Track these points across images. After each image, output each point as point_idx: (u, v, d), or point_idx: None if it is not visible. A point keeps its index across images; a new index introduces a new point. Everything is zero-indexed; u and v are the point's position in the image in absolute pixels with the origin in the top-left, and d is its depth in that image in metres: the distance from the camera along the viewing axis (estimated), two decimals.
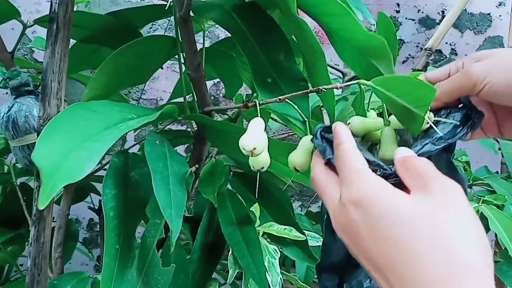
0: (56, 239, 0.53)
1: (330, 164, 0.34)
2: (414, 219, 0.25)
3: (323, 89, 0.40)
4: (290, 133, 0.98)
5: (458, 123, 0.35)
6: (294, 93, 0.42)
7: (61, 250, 0.54)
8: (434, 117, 0.36)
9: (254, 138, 0.41)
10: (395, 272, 0.24)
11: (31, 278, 0.46)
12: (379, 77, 0.35)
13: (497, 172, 1.19)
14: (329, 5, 0.41)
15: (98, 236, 1.41)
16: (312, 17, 0.46)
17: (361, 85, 0.39)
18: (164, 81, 1.40)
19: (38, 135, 0.45)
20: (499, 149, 1.10)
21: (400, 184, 0.28)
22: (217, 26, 0.62)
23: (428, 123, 0.34)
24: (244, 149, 0.41)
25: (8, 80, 0.49)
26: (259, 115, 0.45)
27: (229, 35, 0.56)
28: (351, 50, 0.44)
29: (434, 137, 0.34)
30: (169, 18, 0.65)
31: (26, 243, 0.72)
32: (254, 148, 0.40)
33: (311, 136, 0.41)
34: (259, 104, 0.45)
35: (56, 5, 0.44)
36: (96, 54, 0.64)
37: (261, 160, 0.43)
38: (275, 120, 0.93)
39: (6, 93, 1.31)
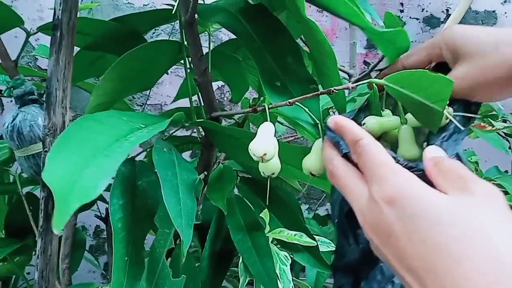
0: (63, 250, 0.52)
1: (346, 158, 0.32)
2: (457, 221, 0.23)
3: (334, 90, 0.39)
4: (296, 136, 0.97)
5: (474, 115, 0.34)
6: (304, 96, 0.41)
7: (69, 261, 0.53)
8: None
9: (264, 144, 0.39)
10: (435, 277, 0.23)
11: None
12: (392, 75, 0.33)
13: (506, 171, 1.17)
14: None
15: (105, 243, 1.40)
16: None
17: (374, 84, 0.38)
18: (168, 86, 1.39)
19: (43, 144, 0.44)
20: (510, 148, 1.09)
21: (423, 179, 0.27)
22: (220, 29, 0.62)
23: (447, 118, 0.33)
24: (254, 155, 0.39)
25: (12, 89, 0.48)
26: (268, 119, 0.44)
27: (233, 37, 0.55)
28: None
29: (452, 131, 0.33)
30: (172, 23, 0.64)
31: (33, 253, 0.71)
32: (265, 154, 0.39)
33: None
34: (269, 108, 0.44)
35: (60, 12, 0.43)
36: (100, 61, 0.63)
37: (272, 166, 0.42)
38: (281, 123, 0.92)
39: (11, 101, 1.31)
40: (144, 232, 0.47)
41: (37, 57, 1.28)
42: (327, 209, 1.66)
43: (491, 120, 1.11)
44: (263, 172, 0.42)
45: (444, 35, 0.36)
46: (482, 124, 0.91)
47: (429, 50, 0.37)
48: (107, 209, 0.78)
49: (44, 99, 0.52)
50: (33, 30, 0.50)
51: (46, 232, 0.44)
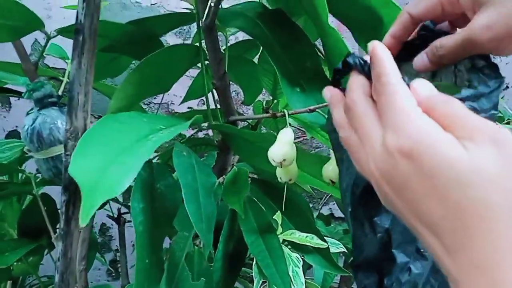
0: (80, 252, 0.52)
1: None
2: (478, 181, 0.22)
3: None
4: (304, 137, 0.97)
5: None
6: (325, 104, 0.42)
7: (85, 263, 0.53)
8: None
9: (284, 150, 0.40)
10: (454, 235, 0.22)
11: None
12: None
13: None
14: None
15: (110, 240, 1.41)
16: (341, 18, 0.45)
17: None
18: (175, 86, 1.39)
19: (65, 148, 0.45)
20: None
21: None
22: (237, 31, 0.62)
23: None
24: (273, 160, 0.40)
25: (32, 91, 0.48)
26: (288, 125, 0.44)
27: (246, 37, 0.55)
28: None
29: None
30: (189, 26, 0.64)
31: (45, 253, 0.72)
32: (284, 160, 0.40)
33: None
34: (289, 114, 0.44)
35: (82, 16, 0.43)
36: (115, 62, 0.64)
37: (290, 172, 0.42)
38: (290, 124, 0.93)
39: (18, 99, 1.31)
40: (163, 235, 0.47)
41: (44, 55, 1.28)
42: (330, 209, 1.67)
43: (497, 123, 1.12)
44: (280, 178, 0.43)
45: None
46: None
47: None
48: (119, 209, 0.79)
49: (62, 102, 0.53)
50: (53, 33, 0.50)
51: (67, 235, 0.45)
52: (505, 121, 1.21)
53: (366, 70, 0.29)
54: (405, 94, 0.26)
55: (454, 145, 0.23)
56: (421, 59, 0.32)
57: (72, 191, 0.45)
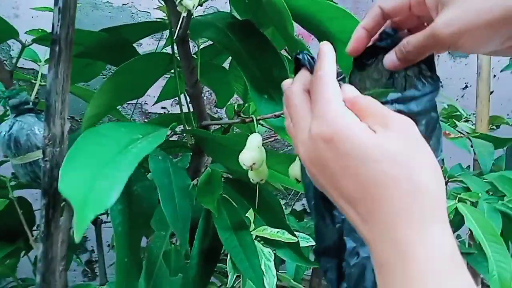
0: (60, 253, 0.54)
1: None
2: (382, 158, 0.27)
3: None
4: (276, 137, 1.01)
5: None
6: None
7: (64, 263, 0.55)
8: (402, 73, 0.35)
9: (253, 154, 0.43)
10: (365, 204, 0.27)
11: None
12: None
13: (468, 167, 1.26)
14: (328, 9, 0.44)
15: (85, 241, 1.41)
16: (309, 26, 0.48)
17: None
18: None
19: (43, 154, 0.47)
20: (471, 146, 1.17)
21: None
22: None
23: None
24: (244, 164, 0.43)
25: (8, 99, 0.50)
26: (256, 131, 0.48)
27: (211, 42, 0.58)
28: None
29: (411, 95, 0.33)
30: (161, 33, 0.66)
31: (21, 255, 0.72)
32: (254, 163, 0.43)
33: None
34: (257, 120, 0.48)
35: (58, 28, 0.45)
36: (90, 67, 0.65)
37: (261, 173, 0.46)
38: (262, 125, 0.96)
39: None
40: (141, 235, 0.50)
41: (12, 56, 1.26)
42: (303, 204, 1.72)
43: (455, 121, 1.19)
44: (252, 179, 0.46)
45: None
46: (447, 131, 0.98)
47: None
48: None
49: (38, 108, 0.54)
50: (27, 42, 0.52)
51: (47, 237, 0.47)
52: (463, 119, 1.29)
53: (312, 66, 0.33)
54: (332, 88, 0.30)
55: (365, 130, 0.28)
56: (390, 57, 0.34)
57: (52, 195, 0.47)
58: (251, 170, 0.43)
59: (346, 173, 0.28)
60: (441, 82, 0.35)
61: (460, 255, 0.26)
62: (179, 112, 0.58)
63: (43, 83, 0.78)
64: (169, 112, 1.43)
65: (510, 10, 0.29)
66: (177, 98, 1.62)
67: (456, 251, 0.26)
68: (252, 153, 0.42)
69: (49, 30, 0.70)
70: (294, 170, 0.44)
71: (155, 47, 0.77)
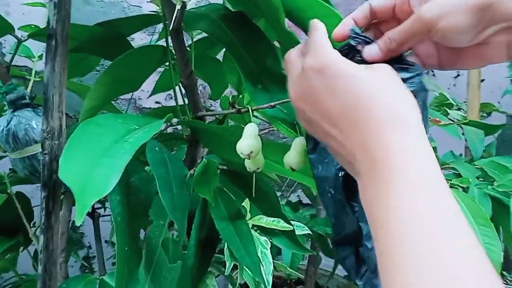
0: (60, 245, 0.55)
1: None
2: (367, 78, 0.30)
3: None
4: (271, 128, 1.02)
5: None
6: (284, 100, 0.46)
7: (65, 255, 0.56)
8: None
9: (250, 143, 0.44)
10: (349, 119, 0.30)
11: (43, 284, 0.48)
12: None
13: (461, 155, 1.28)
14: (315, 8, 0.45)
15: (82, 237, 1.41)
16: (298, 21, 0.49)
17: None
18: None
19: (42, 147, 0.47)
20: (463, 134, 1.19)
21: None
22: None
23: None
24: (242, 153, 0.44)
25: (5, 94, 0.50)
26: (252, 120, 0.49)
27: (205, 35, 0.58)
28: None
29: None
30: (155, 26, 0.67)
31: (21, 250, 0.73)
32: (251, 152, 0.44)
33: (303, 138, 0.45)
34: (252, 110, 0.49)
35: (54, 22, 0.46)
36: (84, 62, 0.66)
37: (257, 162, 0.47)
38: (256, 117, 0.97)
39: None
40: (140, 225, 0.51)
41: (4, 52, 1.26)
42: (298, 196, 1.74)
43: (446, 109, 1.21)
44: (249, 168, 0.47)
45: None
46: (437, 119, 1.00)
47: None
48: (92, 206, 0.81)
49: (36, 103, 0.55)
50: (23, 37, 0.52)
51: (48, 229, 0.48)
52: (455, 107, 1.31)
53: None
54: (325, 38, 0.34)
55: (351, 64, 0.32)
56: (372, 49, 0.35)
57: (51, 187, 0.48)
58: (249, 158, 0.44)
59: (335, 94, 0.31)
60: (426, 70, 0.36)
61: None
62: (174, 105, 0.59)
63: (37, 79, 0.78)
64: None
65: None
66: (171, 93, 1.62)
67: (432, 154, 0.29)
68: (249, 141, 0.43)
69: (41, 25, 0.70)
70: (289, 159, 0.45)
71: (147, 41, 0.78)
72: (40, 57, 0.84)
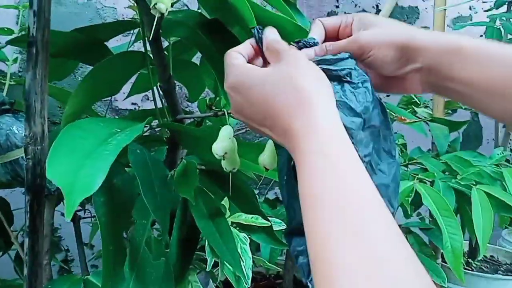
0: (44, 247, 0.56)
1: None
2: (272, 80, 0.35)
3: None
4: (247, 128, 1.05)
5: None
6: None
7: (48, 257, 0.57)
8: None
9: (224, 145, 0.47)
10: (270, 117, 0.34)
11: (28, 285, 0.49)
12: None
13: (428, 150, 1.35)
14: (288, 24, 0.48)
15: (60, 241, 1.40)
16: None
17: None
18: None
19: (25, 152, 0.49)
20: (430, 130, 1.26)
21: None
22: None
23: None
24: (217, 154, 0.47)
25: None
26: (228, 123, 0.52)
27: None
28: None
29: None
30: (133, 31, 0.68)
31: (0, 255, 0.74)
32: (226, 153, 0.47)
33: None
34: (228, 113, 0.51)
35: (34, 30, 0.47)
36: (64, 66, 0.67)
37: (232, 162, 0.50)
38: (233, 117, 1.00)
39: None
40: (123, 225, 0.53)
41: None
42: (275, 193, 1.78)
43: (414, 107, 1.28)
44: (225, 168, 0.50)
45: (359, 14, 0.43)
46: (403, 117, 1.05)
47: (343, 17, 0.43)
48: None
49: (15, 108, 0.56)
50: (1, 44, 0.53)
51: (33, 232, 0.49)
52: (422, 105, 1.38)
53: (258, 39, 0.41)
54: (238, 49, 0.40)
55: (257, 69, 0.37)
56: (308, 53, 0.40)
57: (35, 191, 0.49)
58: (224, 159, 0.47)
59: (252, 103, 0.35)
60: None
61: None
62: (150, 108, 0.61)
63: (12, 83, 0.78)
64: (140, 108, 1.44)
65: (411, 37, 0.38)
66: (147, 94, 1.62)
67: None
68: (223, 143, 0.46)
69: (13, 28, 0.70)
70: (263, 159, 0.48)
71: (121, 43, 0.79)
72: (15, 60, 0.84)
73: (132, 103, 1.45)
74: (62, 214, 0.83)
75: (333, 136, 0.31)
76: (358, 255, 0.25)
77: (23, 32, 0.82)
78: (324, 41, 0.42)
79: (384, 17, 0.42)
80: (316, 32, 0.42)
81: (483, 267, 1.30)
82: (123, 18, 1.37)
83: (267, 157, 0.47)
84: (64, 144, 0.38)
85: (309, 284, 0.38)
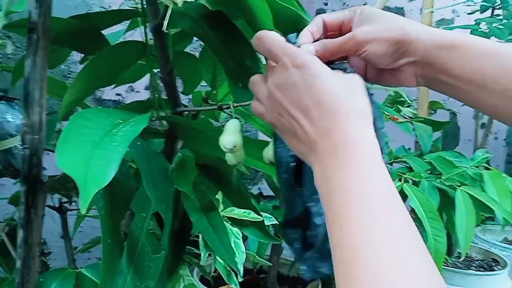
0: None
1: None
2: (337, 80, 0.37)
3: None
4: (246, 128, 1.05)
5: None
6: None
7: (39, 249, 0.56)
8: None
9: (234, 138, 0.47)
10: (319, 110, 0.36)
11: (21, 278, 0.48)
12: None
13: (409, 149, 1.39)
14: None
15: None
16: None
17: None
18: None
19: (22, 141, 0.47)
20: (413, 129, 1.29)
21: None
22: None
23: None
24: (225, 147, 0.47)
25: None
26: (233, 116, 0.51)
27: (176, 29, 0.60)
28: None
29: None
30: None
31: None
32: (234, 146, 0.47)
33: None
34: (234, 106, 0.51)
35: (36, 16, 0.45)
36: (56, 54, 0.64)
37: (239, 156, 0.50)
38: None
39: None
40: (121, 218, 0.52)
41: None
42: (259, 188, 1.78)
43: (399, 106, 1.30)
44: (230, 162, 0.50)
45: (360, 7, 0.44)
46: (395, 116, 1.08)
47: (345, 12, 0.44)
48: (59, 200, 0.80)
49: (9, 95, 0.54)
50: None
51: (27, 223, 0.48)
52: (406, 105, 1.41)
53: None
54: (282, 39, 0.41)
55: (325, 66, 0.38)
56: (308, 49, 0.41)
57: (31, 182, 0.48)
58: (231, 153, 0.46)
59: (311, 89, 0.36)
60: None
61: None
62: (134, 99, 0.59)
63: None
64: (124, 98, 1.41)
65: (406, 33, 0.39)
66: (131, 85, 1.58)
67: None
68: (233, 136, 0.46)
69: None
70: (268, 154, 0.48)
71: (116, 30, 0.77)
72: (2, 46, 0.80)
73: (117, 94, 1.42)
74: (50, 207, 0.81)
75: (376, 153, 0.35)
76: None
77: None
78: (327, 36, 0.43)
79: (384, 11, 0.43)
80: (311, 29, 0.43)
81: (457, 263, 1.35)
82: (110, 7, 1.33)
83: (272, 152, 0.47)
84: (73, 133, 0.37)
85: (302, 267, 0.43)
